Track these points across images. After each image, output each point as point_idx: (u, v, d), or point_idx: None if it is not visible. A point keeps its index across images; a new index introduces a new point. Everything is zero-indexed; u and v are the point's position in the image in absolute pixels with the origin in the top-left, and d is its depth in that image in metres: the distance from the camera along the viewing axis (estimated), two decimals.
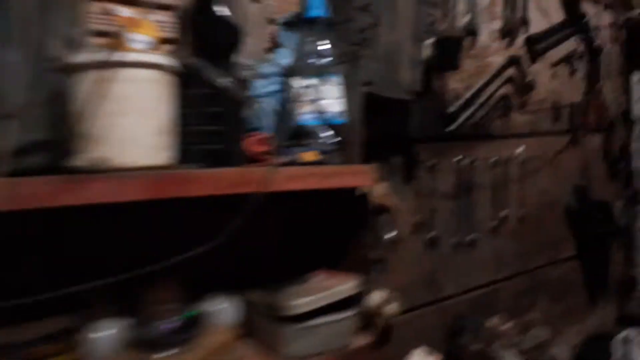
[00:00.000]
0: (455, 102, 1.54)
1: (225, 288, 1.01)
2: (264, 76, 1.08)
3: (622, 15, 2.31)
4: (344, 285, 1.00)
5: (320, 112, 1.02)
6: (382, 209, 1.21)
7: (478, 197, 1.65)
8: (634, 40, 2.36)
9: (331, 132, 1.02)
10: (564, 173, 2.02)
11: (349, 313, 1.00)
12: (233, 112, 0.91)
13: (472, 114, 1.60)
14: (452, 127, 1.54)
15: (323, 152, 0.97)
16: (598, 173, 2.21)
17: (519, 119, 1.79)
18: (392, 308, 1.34)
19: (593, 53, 2.14)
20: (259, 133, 0.98)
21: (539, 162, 1.89)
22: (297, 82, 1.03)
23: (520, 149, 1.78)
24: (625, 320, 2.32)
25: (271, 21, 1.18)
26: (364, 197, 1.08)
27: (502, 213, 1.74)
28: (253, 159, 0.93)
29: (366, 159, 1.32)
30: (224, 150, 0.88)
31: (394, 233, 1.17)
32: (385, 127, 1.35)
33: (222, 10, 0.93)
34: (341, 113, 1.03)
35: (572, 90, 2.04)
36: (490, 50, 1.66)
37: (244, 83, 0.95)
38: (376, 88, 1.17)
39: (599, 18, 2.16)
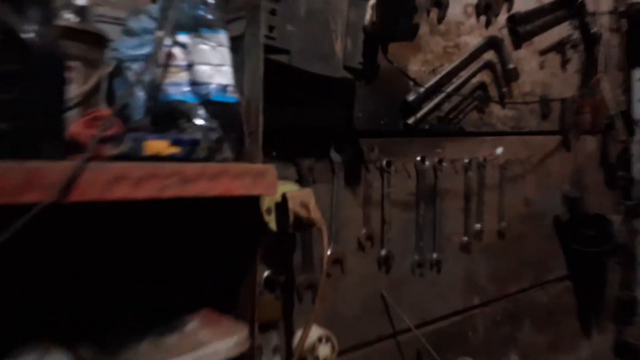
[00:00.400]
0: (417, 88, 1.24)
1: (52, 336, 0.70)
2: (133, 33, 0.77)
3: (624, 1, 2.01)
4: (222, 342, 0.69)
5: (196, 84, 0.72)
6: (304, 223, 0.91)
7: (445, 207, 1.34)
8: (637, 31, 2.06)
9: (210, 114, 0.72)
10: (553, 180, 1.71)
11: None
12: (39, 74, 0.60)
13: (439, 105, 1.30)
14: (412, 119, 1.24)
15: (192, 143, 0.66)
16: (593, 181, 1.90)
17: (498, 113, 1.49)
18: (327, 350, 1.03)
19: (589, 42, 1.83)
20: (97, 110, 0.68)
21: (523, 166, 1.59)
22: (169, 40, 0.72)
23: (499, 150, 1.48)
24: (623, 350, 2.02)
25: None
26: (253, 210, 0.77)
27: (476, 226, 1.43)
28: (79, 150, 0.63)
29: (281, 155, 1.02)
30: (12, 132, 0.57)
31: (327, 252, 0.87)
32: (317, 113, 1.05)
33: None
34: (227, 87, 0.73)
35: (563, 83, 1.74)
36: (463, 29, 1.36)
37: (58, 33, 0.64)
38: (297, 60, 0.87)
39: (598, 2, 1.86)
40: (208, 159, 0.70)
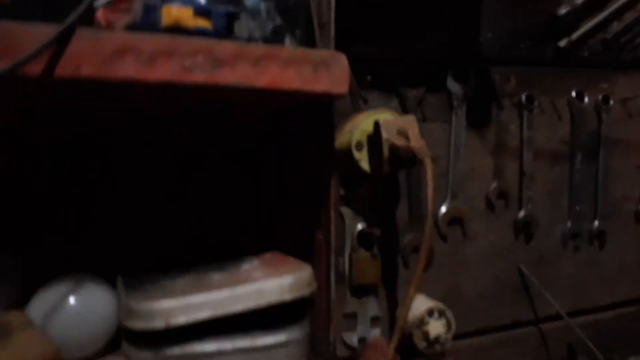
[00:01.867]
0: (571, 1, 0.93)
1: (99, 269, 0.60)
2: None
3: None
4: (272, 281, 0.52)
5: None
6: (402, 156, 0.69)
7: (613, 163, 1.01)
8: None
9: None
10: None
11: (282, 336, 0.52)
12: None
13: (604, 23, 0.96)
14: (564, 42, 0.93)
15: (227, 15, 0.50)
16: None
17: None
18: (439, 326, 0.81)
19: None
20: None
21: None
22: None
23: None
24: None
25: None
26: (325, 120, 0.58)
27: None
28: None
29: (379, 81, 0.81)
30: None
31: (431, 193, 0.65)
32: (429, 36, 0.83)
33: None
34: None
35: None
36: None
37: None
38: None
39: None
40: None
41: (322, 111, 0.58)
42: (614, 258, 1.02)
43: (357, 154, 0.75)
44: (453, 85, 0.86)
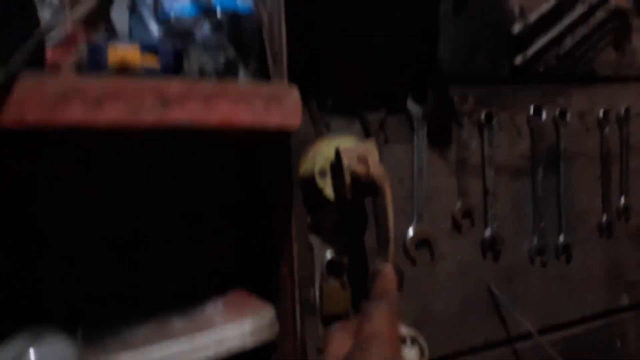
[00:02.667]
0: (525, 18, 0.95)
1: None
2: None
3: None
4: (233, 327, 0.49)
5: None
6: (363, 183, 0.68)
7: (573, 175, 1.02)
8: None
9: (215, 29, 0.53)
10: None
11: None
12: None
13: (558, 39, 0.98)
14: (520, 58, 0.95)
15: (175, 52, 0.47)
16: None
17: None
18: (413, 354, 0.79)
19: None
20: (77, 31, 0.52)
21: None
22: None
23: None
24: None
25: None
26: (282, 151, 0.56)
27: (620, 201, 1.08)
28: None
29: (340, 105, 0.80)
30: None
31: (391, 222, 0.64)
32: (387, 54, 0.82)
33: None
34: None
35: None
36: None
37: None
38: None
39: None
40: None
41: (279, 143, 0.56)
42: (580, 271, 1.03)
43: (320, 182, 0.73)
44: (413, 107, 0.85)
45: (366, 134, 0.83)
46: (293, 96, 0.50)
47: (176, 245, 0.67)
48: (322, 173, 0.73)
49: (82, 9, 0.56)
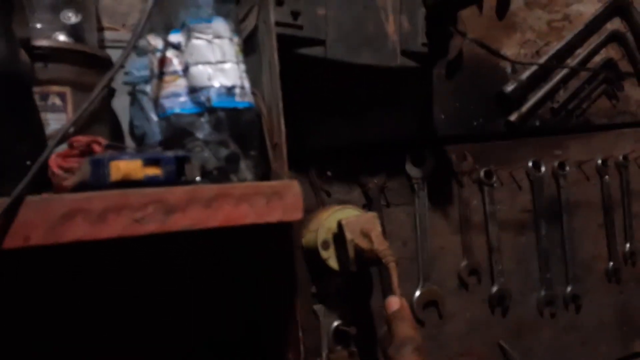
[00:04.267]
0: (517, 75, 0.97)
1: None
2: (141, 51, 0.65)
3: None
4: None
5: (195, 90, 0.56)
6: (368, 257, 0.69)
7: (576, 225, 1.03)
8: None
9: (215, 125, 0.56)
10: None
11: None
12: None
13: (551, 93, 1.01)
14: (515, 115, 0.97)
15: (176, 160, 0.49)
16: None
17: (639, 97, 1.14)
18: None
19: None
20: (78, 138, 0.54)
21: None
22: (160, 42, 0.58)
23: None
24: None
25: None
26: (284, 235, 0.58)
27: (625, 247, 1.08)
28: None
29: (340, 174, 0.82)
30: None
31: (397, 297, 0.64)
32: (383, 120, 0.85)
33: None
34: (234, 89, 0.56)
35: None
36: None
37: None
38: (335, 50, 0.68)
39: None
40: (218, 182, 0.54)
41: (280, 232, 0.58)
42: (590, 320, 1.03)
43: (324, 253, 0.74)
44: (412, 169, 0.87)
45: (367, 199, 0.84)
46: (294, 190, 0.52)
47: (181, 336, 0.68)
48: (325, 244, 0.75)
49: (85, 109, 0.59)
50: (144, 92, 0.64)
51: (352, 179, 0.83)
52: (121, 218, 0.44)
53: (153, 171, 0.47)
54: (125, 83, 0.66)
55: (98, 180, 0.45)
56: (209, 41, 0.55)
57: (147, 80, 0.63)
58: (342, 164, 0.82)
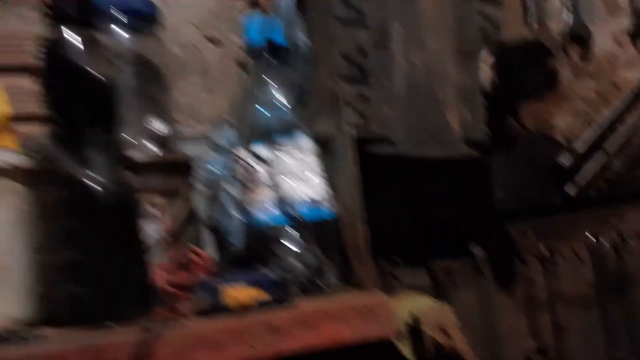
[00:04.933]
0: (570, 148, 0.98)
1: None
2: (219, 148, 0.67)
3: None
4: None
5: (282, 202, 0.57)
6: (447, 353, 0.68)
7: None
8: None
9: (303, 236, 0.56)
10: None
11: None
12: (108, 230, 0.49)
13: (606, 163, 1.01)
14: (572, 188, 0.96)
15: (276, 283, 0.50)
16: None
17: None
18: None
19: None
20: (183, 252, 0.55)
21: None
22: (247, 153, 0.60)
23: None
24: None
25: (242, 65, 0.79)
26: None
27: None
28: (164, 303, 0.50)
29: (407, 259, 0.82)
30: (84, 298, 0.46)
31: None
32: (447, 203, 0.85)
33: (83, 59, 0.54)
34: (319, 201, 0.57)
35: None
36: (618, 63, 1.08)
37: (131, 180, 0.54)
38: (404, 146, 0.69)
39: None
40: (308, 291, 0.54)
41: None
42: None
43: (400, 344, 0.73)
44: (476, 250, 0.87)
45: (433, 282, 0.84)
46: (385, 307, 0.52)
47: None
48: (399, 335, 0.73)
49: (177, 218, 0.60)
50: (224, 189, 0.65)
51: (418, 263, 0.83)
52: (238, 345, 0.45)
53: (261, 295, 0.48)
54: (206, 180, 0.68)
55: (215, 306, 0.46)
56: (295, 155, 0.57)
57: (227, 179, 0.64)
58: (407, 250, 0.82)
